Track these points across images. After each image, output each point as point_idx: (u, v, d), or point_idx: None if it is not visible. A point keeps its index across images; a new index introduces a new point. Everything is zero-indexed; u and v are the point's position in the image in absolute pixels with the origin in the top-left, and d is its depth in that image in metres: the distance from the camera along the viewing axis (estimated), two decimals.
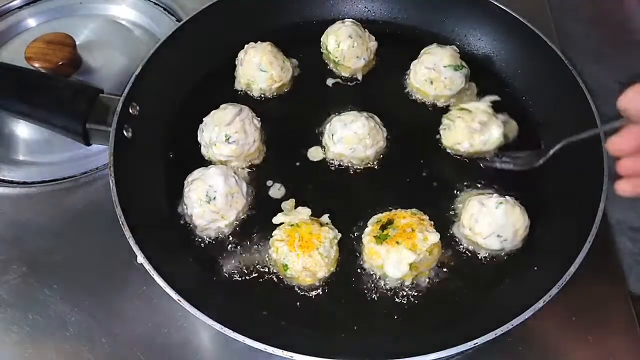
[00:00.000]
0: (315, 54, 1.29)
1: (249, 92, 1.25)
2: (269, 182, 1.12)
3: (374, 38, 1.27)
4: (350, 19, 1.27)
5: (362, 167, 1.14)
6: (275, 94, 1.25)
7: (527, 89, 1.24)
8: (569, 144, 1.00)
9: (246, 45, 1.23)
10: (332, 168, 1.14)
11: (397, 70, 1.27)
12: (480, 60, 1.29)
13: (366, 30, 1.27)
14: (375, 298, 0.99)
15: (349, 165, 1.14)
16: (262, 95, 1.25)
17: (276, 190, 1.11)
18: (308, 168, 1.15)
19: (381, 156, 1.15)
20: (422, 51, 1.23)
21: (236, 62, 1.25)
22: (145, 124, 1.13)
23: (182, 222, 1.07)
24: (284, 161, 1.16)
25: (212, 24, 1.27)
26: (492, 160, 1.13)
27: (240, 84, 1.26)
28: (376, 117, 1.15)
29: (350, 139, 1.10)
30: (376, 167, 1.14)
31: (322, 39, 1.27)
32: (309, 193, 1.11)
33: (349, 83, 1.27)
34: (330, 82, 1.27)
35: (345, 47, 1.23)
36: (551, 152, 1.02)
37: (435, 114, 1.21)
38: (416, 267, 0.97)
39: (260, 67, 1.21)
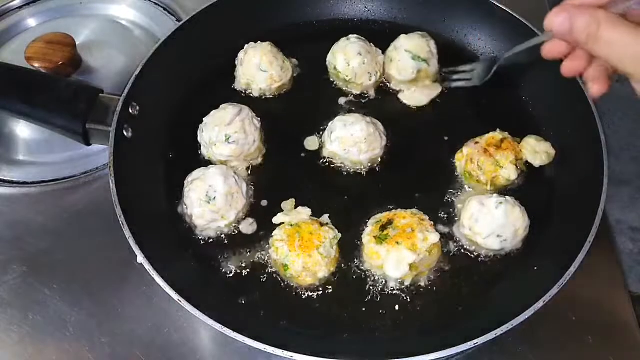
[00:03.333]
0: (315, 54, 1.28)
1: (249, 92, 1.25)
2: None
3: (381, 52, 1.25)
4: (355, 35, 1.23)
5: (355, 170, 1.14)
6: (275, 94, 1.25)
7: (527, 89, 1.24)
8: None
9: (246, 45, 1.23)
10: (332, 167, 1.14)
11: None
12: (480, 61, 1.29)
13: (372, 44, 1.24)
14: (375, 298, 0.99)
15: (342, 166, 1.14)
16: (263, 95, 1.25)
17: (247, 226, 1.07)
18: (308, 168, 1.15)
19: (375, 164, 1.14)
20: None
21: (236, 62, 1.25)
22: (145, 124, 1.13)
23: (182, 222, 1.07)
24: (284, 161, 1.16)
25: (212, 24, 1.27)
26: (446, 80, 1.18)
27: (240, 84, 1.26)
28: (379, 124, 1.14)
29: (346, 140, 1.10)
30: (376, 168, 1.14)
31: (328, 58, 1.24)
32: (309, 193, 1.11)
33: (361, 100, 1.24)
34: (342, 101, 1.24)
35: (356, 65, 1.20)
36: (496, 66, 1.10)
37: (434, 114, 1.22)
38: (416, 267, 0.97)
39: (260, 67, 1.21)
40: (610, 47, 0.71)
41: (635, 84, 0.73)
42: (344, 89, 1.25)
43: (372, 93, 1.25)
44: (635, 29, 0.69)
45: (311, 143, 1.17)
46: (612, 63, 0.73)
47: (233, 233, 1.06)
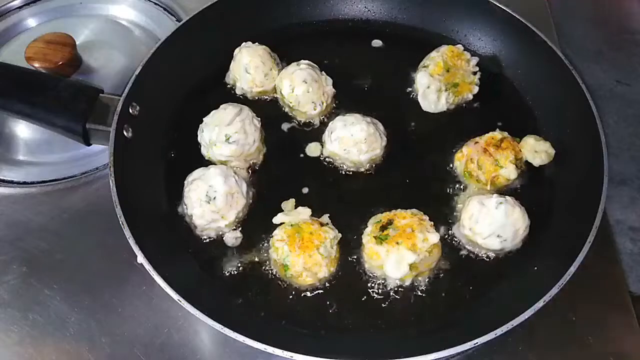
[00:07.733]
0: (312, 57, 1.25)
1: (234, 89, 1.25)
2: (228, 229, 1.06)
3: (331, 82, 1.20)
4: (307, 61, 1.20)
5: (355, 170, 1.13)
6: (255, 97, 1.24)
7: (527, 89, 1.24)
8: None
9: (243, 43, 1.23)
10: (332, 167, 1.14)
11: (398, 70, 1.27)
12: (480, 61, 1.29)
13: (323, 72, 1.20)
14: (375, 298, 0.99)
15: (342, 166, 1.14)
16: (244, 95, 1.24)
17: (233, 239, 1.06)
18: (309, 168, 1.15)
19: (375, 164, 1.14)
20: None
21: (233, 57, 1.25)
22: (145, 124, 1.13)
23: (182, 222, 1.07)
24: (284, 161, 1.16)
25: (212, 24, 1.27)
26: None
27: (229, 78, 1.26)
28: (379, 124, 1.14)
29: (346, 140, 1.10)
30: (376, 168, 1.14)
31: (276, 82, 1.22)
32: (309, 193, 1.11)
33: (305, 128, 1.20)
34: (285, 127, 1.20)
35: (300, 93, 1.16)
36: None
37: (434, 116, 1.22)
38: (416, 267, 0.97)
39: (245, 69, 1.21)
40: None
41: None
42: (290, 114, 1.22)
43: (317, 122, 1.20)
44: None
45: (313, 149, 1.17)
46: None
47: (233, 233, 1.06)
